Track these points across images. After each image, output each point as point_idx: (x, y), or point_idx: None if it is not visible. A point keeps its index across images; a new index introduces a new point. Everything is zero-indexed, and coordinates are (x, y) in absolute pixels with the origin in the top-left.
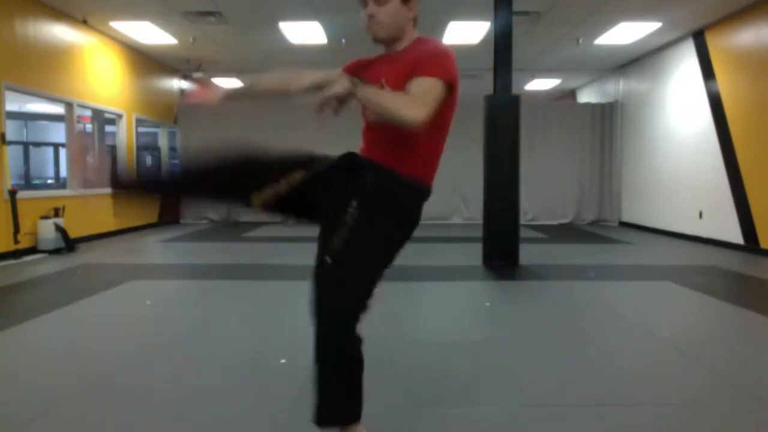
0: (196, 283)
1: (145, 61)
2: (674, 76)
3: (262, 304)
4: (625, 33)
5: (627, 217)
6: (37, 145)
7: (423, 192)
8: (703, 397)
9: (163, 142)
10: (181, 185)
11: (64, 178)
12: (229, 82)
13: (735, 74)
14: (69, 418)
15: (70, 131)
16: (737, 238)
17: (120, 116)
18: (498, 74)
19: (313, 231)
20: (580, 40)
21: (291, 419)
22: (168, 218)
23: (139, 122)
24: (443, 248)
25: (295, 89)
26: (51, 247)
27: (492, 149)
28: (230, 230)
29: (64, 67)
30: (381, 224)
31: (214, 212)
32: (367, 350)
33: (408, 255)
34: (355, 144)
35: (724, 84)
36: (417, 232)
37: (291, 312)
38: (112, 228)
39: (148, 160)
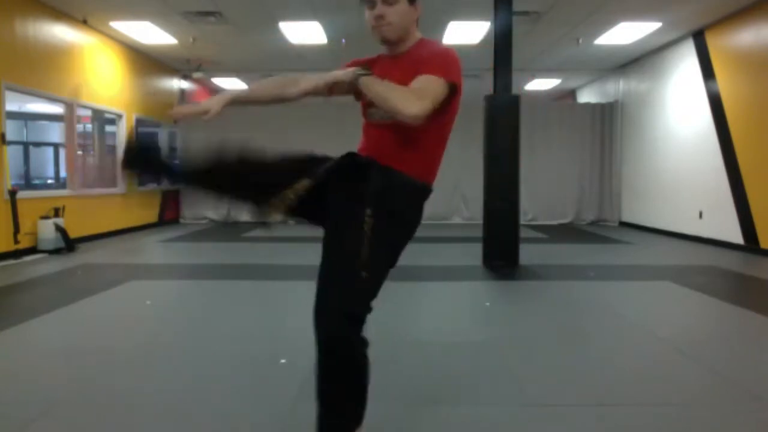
0: (196, 283)
1: (145, 61)
2: (674, 76)
3: (262, 304)
4: (625, 33)
5: (627, 217)
6: (37, 145)
7: (426, 191)
8: (703, 397)
9: (163, 142)
10: (188, 176)
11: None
12: (230, 83)
13: (735, 74)
14: (69, 418)
15: (69, 131)
16: (737, 238)
17: (120, 116)
18: (498, 74)
19: (314, 231)
20: (580, 40)
21: (291, 419)
22: (168, 215)
23: (139, 122)
24: (443, 248)
25: (292, 94)
26: (51, 247)
27: (492, 149)
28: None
29: (64, 67)
30: (391, 227)
31: (213, 212)
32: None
33: (408, 255)
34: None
35: (724, 84)
36: (417, 232)
37: (291, 312)
38: (112, 228)
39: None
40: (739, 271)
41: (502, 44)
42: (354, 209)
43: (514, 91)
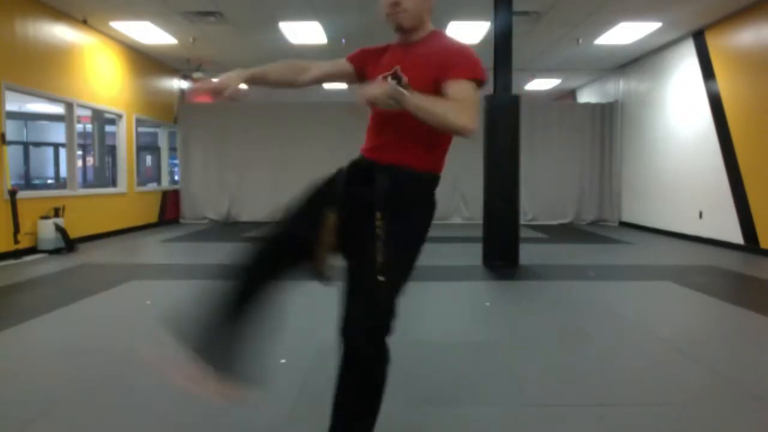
0: (196, 283)
1: (145, 61)
2: (674, 76)
3: None
4: (625, 33)
5: (627, 217)
6: (37, 145)
7: (433, 182)
8: (703, 397)
9: (163, 142)
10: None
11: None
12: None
13: (735, 74)
14: (69, 418)
15: (69, 131)
16: (737, 238)
17: (120, 116)
18: (498, 74)
19: None
20: (580, 40)
21: (291, 419)
22: (168, 215)
23: (139, 122)
24: (443, 248)
25: (303, 82)
26: (51, 247)
27: (492, 149)
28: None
29: (64, 67)
30: (402, 226)
31: (213, 212)
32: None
33: None
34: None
35: (724, 84)
36: None
37: (291, 312)
38: (112, 228)
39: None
40: (739, 271)
41: (502, 44)
42: (363, 216)
43: (514, 91)
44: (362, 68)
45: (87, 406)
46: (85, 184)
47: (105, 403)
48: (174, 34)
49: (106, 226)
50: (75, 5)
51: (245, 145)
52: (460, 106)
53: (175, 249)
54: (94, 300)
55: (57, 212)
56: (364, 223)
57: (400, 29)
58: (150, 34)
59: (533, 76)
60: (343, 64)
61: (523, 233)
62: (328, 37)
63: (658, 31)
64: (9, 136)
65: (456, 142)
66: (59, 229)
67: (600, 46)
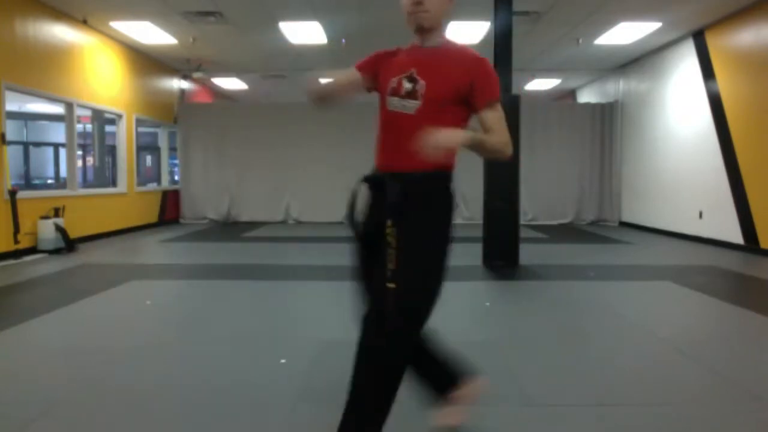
0: (196, 283)
1: (145, 61)
2: (674, 76)
3: (262, 304)
4: (625, 33)
5: (627, 217)
6: (37, 145)
7: (446, 177)
8: (703, 397)
9: (163, 142)
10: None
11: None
12: (230, 83)
13: (735, 74)
14: (69, 418)
15: (69, 131)
16: (737, 238)
17: (120, 116)
18: (498, 74)
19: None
20: (580, 40)
21: (291, 419)
22: (168, 215)
23: (139, 122)
24: None
25: (351, 90)
26: (51, 247)
27: None
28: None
29: (64, 67)
30: (424, 228)
31: (213, 212)
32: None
33: None
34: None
35: (724, 84)
36: None
37: (291, 312)
38: (112, 228)
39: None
40: (739, 271)
41: (502, 44)
42: (377, 226)
43: (514, 91)
44: (375, 74)
45: (87, 406)
46: (85, 184)
47: (105, 403)
48: (174, 34)
49: (106, 226)
50: (75, 5)
51: (245, 145)
52: (504, 135)
53: (175, 249)
54: (94, 300)
55: (57, 212)
56: (377, 231)
57: (420, 29)
58: (150, 34)
59: (533, 76)
60: (354, 73)
61: (523, 233)
62: (328, 37)
63: (658, 31)
64: (9, 136)
65: None
66: (59, 229)
67: (600, 46)
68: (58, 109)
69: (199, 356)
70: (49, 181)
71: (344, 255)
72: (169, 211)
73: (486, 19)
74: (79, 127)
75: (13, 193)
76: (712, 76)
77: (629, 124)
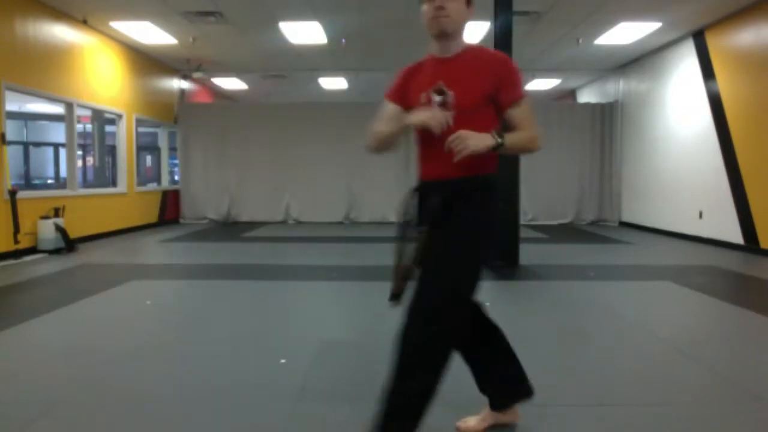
0: (196, 283)
1: (145, 61)
2: (674, 76)
3: (262, 304)
4: (625, 33)
5: (627, 217)
6: (37, 145)
7: (488, 181)
8: (703, 397)
9: (163, 142)
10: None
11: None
12: (230, 83)
13: (735, 74)
14: (69, 418)
15: (69, 131)
16: (737, 238)
17: (120, 116)
18: None
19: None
20: (580, 40)
21: (291, 419)
22: (168, 215)
23: (139, 122)
24: None
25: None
26: (51, 247)
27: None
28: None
29: (64, 67)
30: (472, 225)
31: (213, 212)
32: (368, 350)
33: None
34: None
35: (724, 84)
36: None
37: (291, 312)
38: (112, 228)
39: None
40: (739, 271)
41: (502, 44)
42: (425, 229)
43: None
44: (405, 92)
45: (87, 406)
46: (85, 184)
47: (105, 403)
48: (174, 34)
49: (106, 226)
50: (75, 5)
51: (245, 145)
52: (534, 130)
53: (175, 249)
54: (94, 300)
55: (57, 212)
56: (427, 234)
57: (441, 35)
58: (150, 34)
59: (533, 76)
60: (393, 109)
61: (523, 233)
62: (328, 37)
63: (658, 31)
64: (9, 136)
65: None
66: (59, 229)
67: (600, 46)
68: (58, 109)
69: (199, 356)
70: (49, 181)
71: (344, 255)
72: (169, 211)
73: (486, 19)
74: (79, 127)
75: (13, 193)
76: (712, 76)
77: (629, 124)
